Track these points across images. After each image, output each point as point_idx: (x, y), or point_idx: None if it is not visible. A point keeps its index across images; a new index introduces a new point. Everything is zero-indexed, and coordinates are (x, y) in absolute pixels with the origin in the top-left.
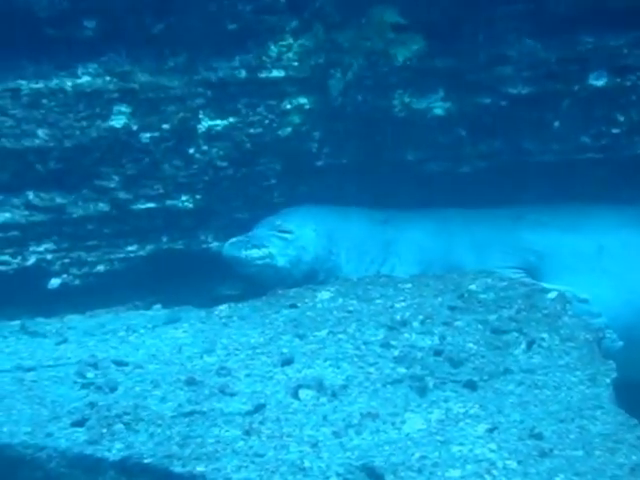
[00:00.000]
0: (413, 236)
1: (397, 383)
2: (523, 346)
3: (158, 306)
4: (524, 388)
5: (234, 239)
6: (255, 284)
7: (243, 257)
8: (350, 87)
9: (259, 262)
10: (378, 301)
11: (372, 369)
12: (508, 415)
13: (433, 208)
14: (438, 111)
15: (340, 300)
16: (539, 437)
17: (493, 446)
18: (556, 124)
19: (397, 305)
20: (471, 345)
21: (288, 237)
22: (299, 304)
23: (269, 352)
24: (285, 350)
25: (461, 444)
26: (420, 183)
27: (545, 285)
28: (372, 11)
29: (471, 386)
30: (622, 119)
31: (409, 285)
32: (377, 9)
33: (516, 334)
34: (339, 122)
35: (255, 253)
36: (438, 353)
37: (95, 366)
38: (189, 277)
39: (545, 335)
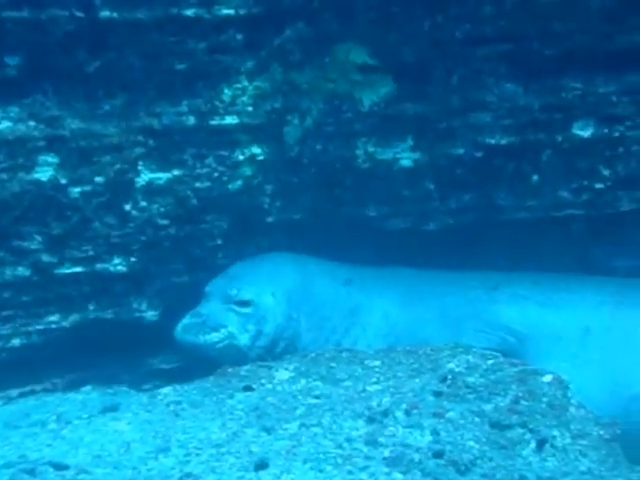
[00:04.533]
0: (379, 305)
1: None
2: (533, 445)
3: (88, 388)
4: None
5: (186, 320)
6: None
7: (202, 343)
8: (309, 135)
9: (219, 345)
10: (347, 383)
11: (364, 475)
12: None
13: (400, 267)
14: (405, 162)
15: (302, 381)
16: None
17: None
18: (535, 178)
19: (370, 389)
20: (472, 443)
21: (247, 311)
22: (254, 386)
23: (237, 452)
24: (255, 448)
25: None
26: (382, 241)
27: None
28: (337, 49)
29: None
30: (607, 173)
31: (378, 362)
32: (343, 47)
33: (521, 430)
34: (294, 173)
35: (215, 337)
36: (438, 455)
37: (32, 473)
38: (118, 350)
39: (555, 432)
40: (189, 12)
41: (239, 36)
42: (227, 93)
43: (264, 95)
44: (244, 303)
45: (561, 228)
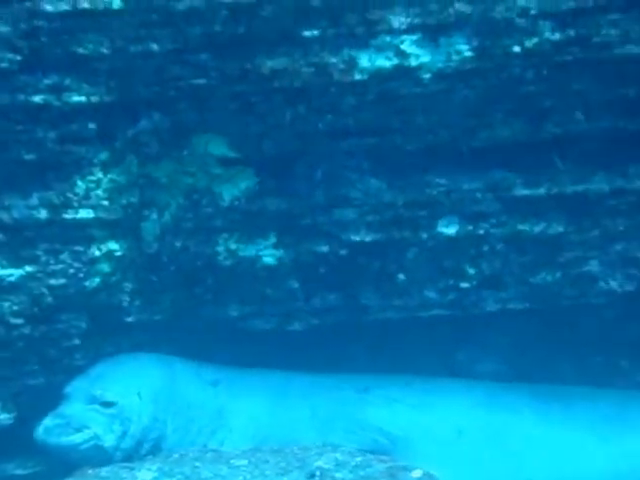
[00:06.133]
0: (247, 407)
1: None
2: None
3: None
4: None
5: (49, 422)
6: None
7: (65, 444)
8: (167, 231)
9: (84, 447)
10: None
11: None
12: None
13: (269, 370)
14: (268, 260)
15: None
16: None
17: None
18: (400, 276)
19: None
20: None
21: (112, 412)
22: None
23: None
24: None
25: None
26: (245, 342)
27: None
28: (195, 141)
29: None
30: (472, 272)
31: (244, 462)
32: (201, 139)
33: None
34: (154, 272)
35: (78, 438)
36: None
37: None
38: None
39: None
40: (37, 99)
41: (92, 125)
42: (80, 186)
43: (120, 189)
44: (109, 404)
45: (427, 329)
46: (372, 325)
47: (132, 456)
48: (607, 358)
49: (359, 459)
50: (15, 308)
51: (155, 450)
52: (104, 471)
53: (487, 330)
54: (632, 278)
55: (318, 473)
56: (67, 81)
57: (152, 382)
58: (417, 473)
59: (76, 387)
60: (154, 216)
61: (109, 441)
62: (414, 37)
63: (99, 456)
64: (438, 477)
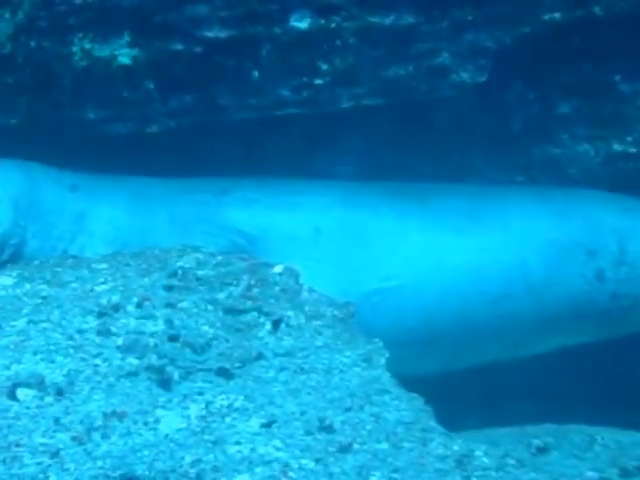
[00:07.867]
0: (107, 211)
1: (133, 376)
2: (268, 327)
3: None
4: (288, 374)
5: None
6: None
7: None
8: (22, 31)
9: None
10: (74, 285)
11: (98, 361)
12: (282, 406)
13: (129, 175)
14: (124, 59)
15: (27, 286)
16: (330, 430)
17: (278, 443)
18: (255, 74)
19: (98, 288)
20: (207, 328)
21: None
22: None
23: None
24: None
25: (238, 443)
26: (104, 146)
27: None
28: None
29: (225, 374)
30: (325, 68)
31: (105, 265)
32: None
33: (256, 314)
34: (9, 74)
35: None
36: (174, 338)
37: None
38: None
39: (290, 313)
40: None
41: None
42: None
43: None
44: None
45: (284, 132)
46: (229, 127)
47: None
48: (462, 156)
49: (220, 258)
50: None
51: (16, 257)
52: None
53: (343, 131)
54: (482, 69)
55: (180, 272)
56: None
57: (12, 188)
58: (278, 268)
59: None
60: (7, 15)
61: None
62: None
63: None
64: (299, 272)
